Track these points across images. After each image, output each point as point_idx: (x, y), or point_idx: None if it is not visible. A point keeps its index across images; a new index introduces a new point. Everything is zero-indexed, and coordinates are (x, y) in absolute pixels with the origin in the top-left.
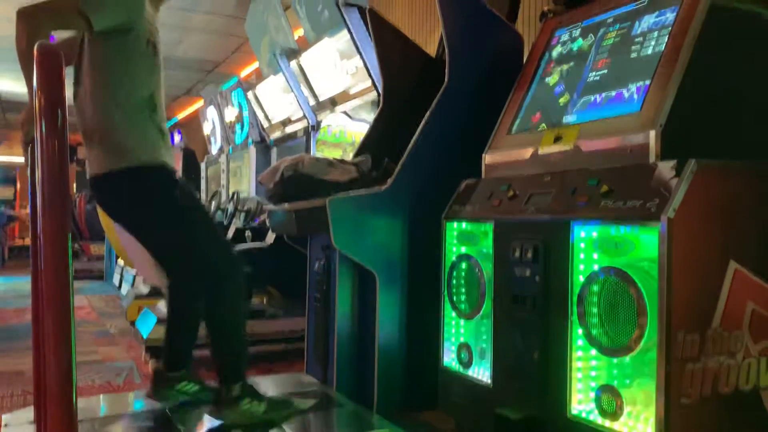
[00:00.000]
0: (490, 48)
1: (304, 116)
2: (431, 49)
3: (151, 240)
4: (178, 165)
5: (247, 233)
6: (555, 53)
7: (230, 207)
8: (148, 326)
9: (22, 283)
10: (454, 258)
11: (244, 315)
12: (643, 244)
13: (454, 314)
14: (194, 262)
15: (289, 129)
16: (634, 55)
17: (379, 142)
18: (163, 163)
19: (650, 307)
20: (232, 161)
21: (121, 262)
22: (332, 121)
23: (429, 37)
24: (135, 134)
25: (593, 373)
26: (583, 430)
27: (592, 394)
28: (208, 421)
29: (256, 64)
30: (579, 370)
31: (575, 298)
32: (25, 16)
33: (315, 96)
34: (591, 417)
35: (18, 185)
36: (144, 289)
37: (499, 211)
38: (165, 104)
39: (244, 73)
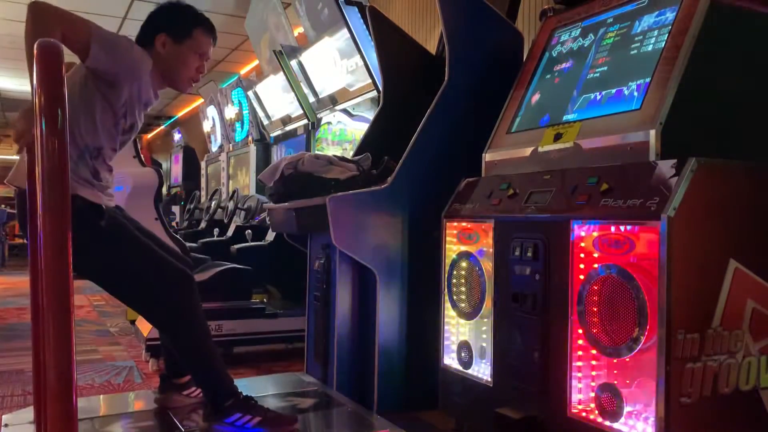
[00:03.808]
0: (491, 46)
1: (304, 114)
2: (431, 47)
3: (87, 273)
4: (178, 163)
5: (248, 232)
6: (555, 51)
7: (230, 205)
8: (149, 325)
9: (22, 281)
10: (454, 257)
11: (196, 330)
12: (643, 243)
13: (454, 313)
14: (142, 290)
15: (289, 127)
16: (634, 53)
17: (379, 140)
18: (87, 198)
19: (650, 306)
20: (232, 159)
21: None
22: (332, 119)
23: (429, 34)
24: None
25: (593, 373)
26: (583, 430)
27: (592, 394)
28: (207, 421)
29: (255, 62)
30: (579, 370)
31: (575, 297)
32: (40, 11)
33: (315, 93)
34: (591, 417)
35: None
36: None
37: (499, 209)
38: (166, 102)
39: (244, 71)
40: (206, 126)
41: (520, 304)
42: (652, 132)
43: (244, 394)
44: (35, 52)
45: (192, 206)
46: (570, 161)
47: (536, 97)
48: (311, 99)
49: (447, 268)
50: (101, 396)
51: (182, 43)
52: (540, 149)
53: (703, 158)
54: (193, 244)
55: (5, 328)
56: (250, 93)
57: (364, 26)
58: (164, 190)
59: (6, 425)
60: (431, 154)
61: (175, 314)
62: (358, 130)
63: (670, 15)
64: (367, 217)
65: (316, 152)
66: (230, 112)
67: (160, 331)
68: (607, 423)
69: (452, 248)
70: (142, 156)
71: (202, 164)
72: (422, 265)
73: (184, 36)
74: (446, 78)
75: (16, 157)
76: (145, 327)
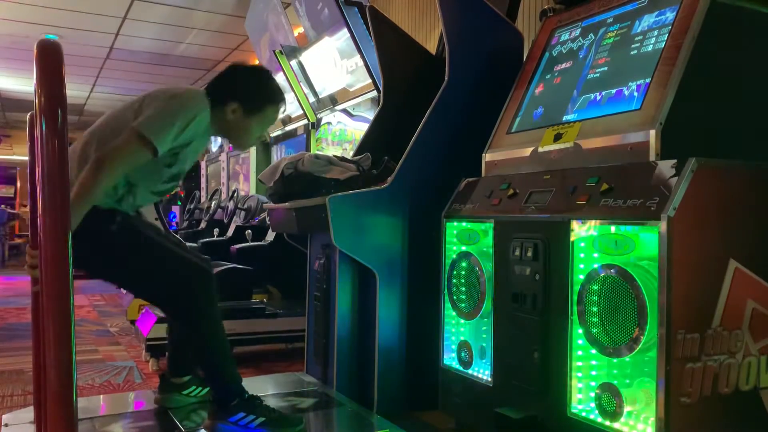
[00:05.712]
0: (491, 46)
1: (304, 114)
2: (431, 47)
3: (103, 275)
4: None
5: (247, 232)
6: (555, 51)
7: (230, 205)
8: (149, 325)
9: (22, 281)
10: (454, 257)
11: (213, 324)
12: (643, 243)
13: (454, 313)
14: (159, 288)
15: (289, 127)
16: (634, 53)
17: (379, 140)
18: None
19: (650, 306)
20: (232, 159)
21: None
22: (332, 119)
23: (429, 34)
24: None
25: (593, 373)
26: (583, 430)
27: (592, 394)
28: (212, 419)
29: (255, 62)
30: (579, 369)
31: (575, 297)
32: (102, 164)
33: (315, 94)
34: (591, 416)
35: (18, 184)
36: None
37: (499, 209)
38: None
39: None
40: None
41: (520, 304)
42: (652, 132)
43: (249, 393)
44: (35, 51)
45: (192, 206)
46: (570, 161)
47: (536, 97)
48: (311, 99)
49: (447, 268)
50: (101, 396)
51: (252, 116)
52: (540, 149)
53: (703, 158)
54: (193, 244)
55: (5, 328)
56: None
57: (364, 26)
58: None
59: (6, 425)
60: (431, 154)
61: (193, 307)
62: (358, 130)
63: (670, 15)
64: (367, 217)
65: (316, 152)
66: None
67: (180, 324)
68: (607, 423)
69: (452, 248)
70: None
71: (202, 164)
72: (422, 265)
73: (255, 110)
74: (446, 78)
75: (16, 157)
76: (145, 327)
